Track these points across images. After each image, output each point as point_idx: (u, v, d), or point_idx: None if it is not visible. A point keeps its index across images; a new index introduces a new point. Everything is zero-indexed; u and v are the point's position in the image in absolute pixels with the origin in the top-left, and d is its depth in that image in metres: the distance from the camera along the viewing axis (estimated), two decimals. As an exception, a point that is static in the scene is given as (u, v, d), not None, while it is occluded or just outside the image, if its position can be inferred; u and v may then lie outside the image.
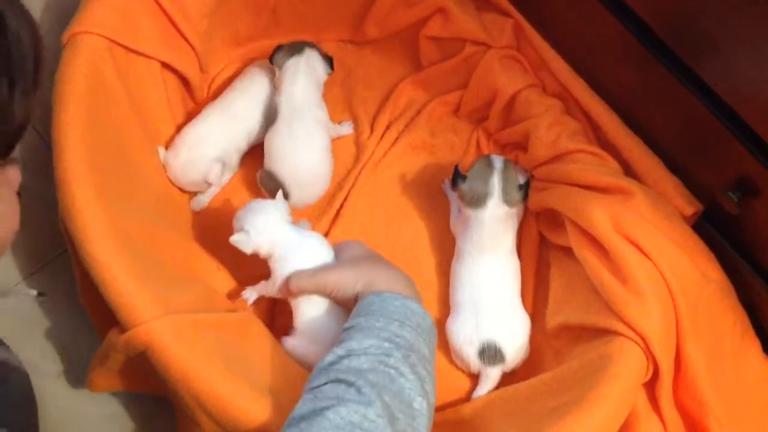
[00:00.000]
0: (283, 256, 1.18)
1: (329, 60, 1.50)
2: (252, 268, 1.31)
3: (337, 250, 1.18)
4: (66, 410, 1.30)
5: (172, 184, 1.40)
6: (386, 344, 0.93)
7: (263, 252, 1.18)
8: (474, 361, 1.28)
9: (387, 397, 0.87)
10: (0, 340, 1.20)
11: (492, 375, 1.28)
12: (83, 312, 1.24)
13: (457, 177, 1.32)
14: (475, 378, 1.31)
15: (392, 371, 0.90)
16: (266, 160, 1.41)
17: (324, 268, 1.14)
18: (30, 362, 1.32)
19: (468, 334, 1.29)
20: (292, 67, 1.44)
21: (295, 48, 1.46)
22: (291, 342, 1.19)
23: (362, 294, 1.05)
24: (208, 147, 1.40)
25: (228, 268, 1.38)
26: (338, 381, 0.89)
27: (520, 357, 1.30)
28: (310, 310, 1.16)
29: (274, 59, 1.46)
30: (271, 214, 1.18)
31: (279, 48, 1.47)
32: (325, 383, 0.89)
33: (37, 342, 1.34)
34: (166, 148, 1.40)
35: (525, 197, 1.33)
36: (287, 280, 1.14)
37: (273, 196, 1.35)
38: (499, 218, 1.31)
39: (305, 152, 1.41)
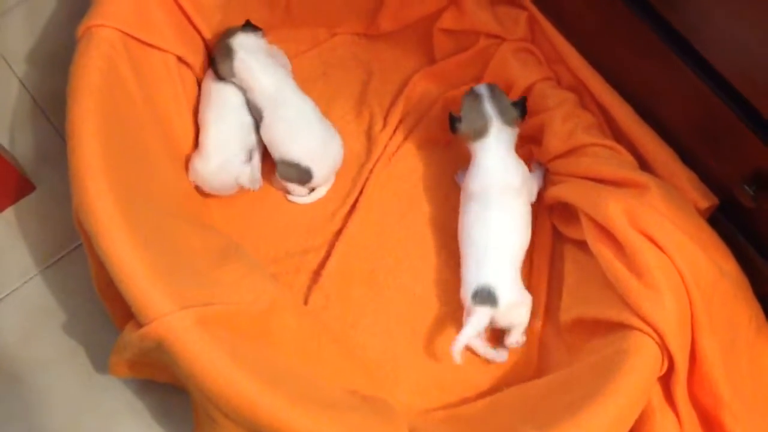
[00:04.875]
0: None
1: (251, 25, 1.46)
2: (282, 244, 1.39)
3: None
4: (81, 400, 1.31)
5: (198, 189, 1.41)
6: None
7: None
8: (468, 303, 1.27)
9: None
10: None
11: (478, 313, 1.25)
12: (99, 304, 1.25)
13: (454, 121, 1.34)
14: (487, 370, 1.32)
15: None
16: (275, 152, 1.42)
17: None
18: (47, 353, 1.33)
19: (469, 280, 1.29)
20: (242, 67, 1.42)
21: (224, 49, 1.43)
22: None
23: None
24: (234, 145, 1.41)
25: (252, 249, 1.39)
26: None
27: (513, 311, 1.27)
28: None
29: (220, 73, 1.43)
30: None
31: (211, 62, 1.44)
32: None
33: (54, 334, 1.35)
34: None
35: (523, 113, 1.34)
36: None
37: (299, 182, 1.41)
38: (506, 144, 1.33)
39: (306, 128, 1.42)
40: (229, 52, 1.42)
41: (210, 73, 1.46)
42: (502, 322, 1.29)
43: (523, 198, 1.34)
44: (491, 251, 1.28)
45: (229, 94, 1.44)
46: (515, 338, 1.31)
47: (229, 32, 1.44)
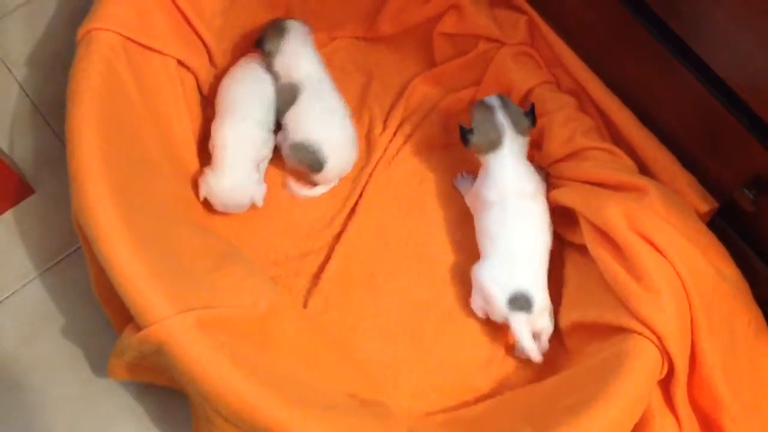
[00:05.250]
0: None
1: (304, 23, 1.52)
2: (281, 247, 1.39)
3: None
4: (80, 403, 1.30)
5: (205, 205, 1.40)
6: None
7: None
8: (502, 308, 1.28)
9: None
10: None
11: (519, 319, 1.27)
12: (98, 307, 1.25)
13: (465, 134, 1.33)
14: (487, 374, 1.32)
15: None
16: (297, 133, 1.43)
17: None
18: (46, 356, 1.33)
19: (503, 281, 1.28)
20: (291, 46, 1.46)
21: (279, 27, 1.47)
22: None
23: None
24: (251, 166, 1.40)
25: (252, 252, 1.39)
26: None
27: (542, 316, 1.29)
28: None
29: (266, 46, 1.46)
30: None
31: (263, 36, 1.48)
32: None
33: (53, 336, 1.35)
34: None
35: (534, 121, 1.34)
36: None
37: (308, 168, 1.42)
38: (518, 153, 1.33)
39: (338, 118, 1.45)
40: (281, 30, 1.46)
41: (229, 85, 1.46)
42: (536, 318, 1.29)
43: (539, 200, 1.34)
44: (521, 257, 1.29)
45: (252, 109, 1.43)
46: (544, 346, 1.30)
47: (283, 18, 1.50)
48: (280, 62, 1.46)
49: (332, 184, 1.48)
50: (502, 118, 1.33)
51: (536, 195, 1.34)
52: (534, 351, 1.27)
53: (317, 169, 1.43)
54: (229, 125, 1.41)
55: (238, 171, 1.38)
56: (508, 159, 1.33)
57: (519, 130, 1.33)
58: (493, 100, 1.35)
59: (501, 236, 1.31)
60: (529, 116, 1.34)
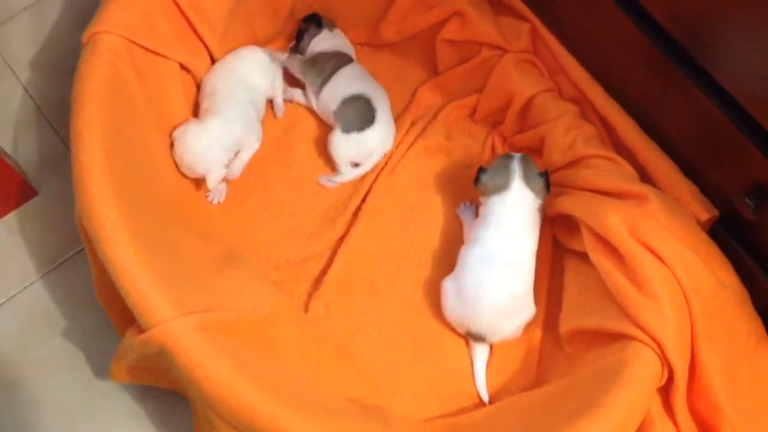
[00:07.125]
0: None
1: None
2: (283, 252, 1.40)
3: None
4: (80, 406, 1.31)
5: (181, 171, 1.39)
6: None
7: None
8: (461, 332, 1.34)
9: None
10: None
11: (480, 351, 1.33)
12: (99, 310, 1.25)
13: (479, 172, 1.34)
14: (487, 380, 1.32)
15: None
16: (347, 90, 1.48)
17: None
18: (47, 358, 1.33)
19: (460, 318, 1.31)
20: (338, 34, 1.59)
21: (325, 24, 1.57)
22: None
23: None
24: (228, 139, 1.40)
25: (254, 256, 1.40)
26: None
27: (506, 339, 1.32)
28: None
29: (324, 24, 1.55)
30: None
31: (312, 21, 1.56)
32: None
33: (54, 339, 1.35)
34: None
35: (547, 186, 1.33)
36: None
37: (358, 128, 1.46)
38: (523, 203, 1.32)
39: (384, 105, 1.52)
40: (330, 26, 1.58)
41: (215, 70, 1.47)
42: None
43: (534, 245, 1.33)
44: (483, 304, 1.28)
45: (236, 91, 1.44)
46: None
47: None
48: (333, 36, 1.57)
49: (375, 159, 1.50)
50: (516, 166, 1.33)
51: (533, 252, 1.33)
52: (483, 389, 1.31)
53: (368, 124, 1.46)
54: (218, 99, 1.42)
55: (215, 137, 1.37)
56: (511, 207, 1.31)
57: (530, 184, 1.32)
58: (517, 154, 1.36)
59: (473, 280, 1.30)
60: (543, 177, 1.33)
